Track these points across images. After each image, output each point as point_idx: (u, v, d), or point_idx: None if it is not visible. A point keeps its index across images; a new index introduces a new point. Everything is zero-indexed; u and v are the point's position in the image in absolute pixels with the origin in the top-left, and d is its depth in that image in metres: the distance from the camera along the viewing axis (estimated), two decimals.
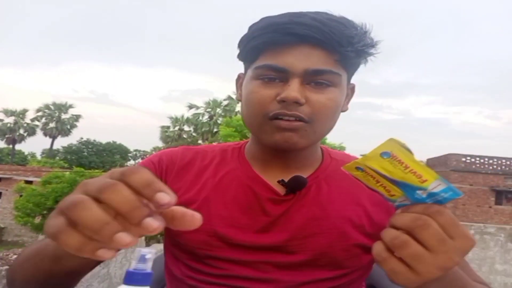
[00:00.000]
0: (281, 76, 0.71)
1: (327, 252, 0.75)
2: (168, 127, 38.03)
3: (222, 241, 0.75)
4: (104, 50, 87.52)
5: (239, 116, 20.30)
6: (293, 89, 0.69)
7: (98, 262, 0.68)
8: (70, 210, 0.37)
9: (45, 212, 15.86)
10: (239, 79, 0.83)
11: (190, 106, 36.80)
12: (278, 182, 0.77)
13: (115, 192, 0.37)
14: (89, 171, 18.70)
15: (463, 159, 23.05)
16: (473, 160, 23.10)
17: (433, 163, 25.23)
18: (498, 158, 23.22)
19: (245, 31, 0.77)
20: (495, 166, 23.05)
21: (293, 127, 0.70)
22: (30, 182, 20.81)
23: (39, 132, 43.22)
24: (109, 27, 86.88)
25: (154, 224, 0.37)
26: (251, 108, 0.74)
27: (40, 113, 43.08)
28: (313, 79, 0.71)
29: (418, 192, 0.49)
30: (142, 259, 0.36)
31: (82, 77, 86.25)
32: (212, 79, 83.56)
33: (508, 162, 23.10)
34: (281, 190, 0.77)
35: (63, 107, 43.02)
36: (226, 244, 0.75)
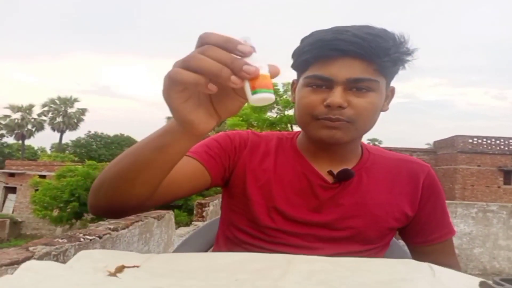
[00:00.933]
0: (327, 84, 0.84)
1: (362, 231, 0.91)
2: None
3: (280, 215, 0.91)
4: (104, 41, 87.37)
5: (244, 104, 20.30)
6: (337, 96, 0.82)
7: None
8: (189, 61, 0.50)
9: (61, 205, 16.21)
10: (293, 84, 0.97)
11: None
12: (328, 172, 0.92)
13: (215, 51, 0.49)
14: (102, 163, 18.92)
15: (470, 141, 23.01)
16: (480, 141, 23.05)
17: (440, 145, 25.26)
18: (505, 139, 23.15)
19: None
20: (502, 146, 23.00)
21: (338, 126, 0.84)
22: (43, 177, 21.15)
23: (47, 127, 43.64)
24: (108, 17, 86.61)
25: (251, 68, 0.48)
26: (302, 110, 0.88)
27: (46, 108, 43.42)
28: (355, 85, 0.83)
29: None
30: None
31: (83, 70, 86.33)
32: None
33: None
34: (329, 179, 0.92)
35: (68, 101, 43.30)
36: (282, 218, 0.91)
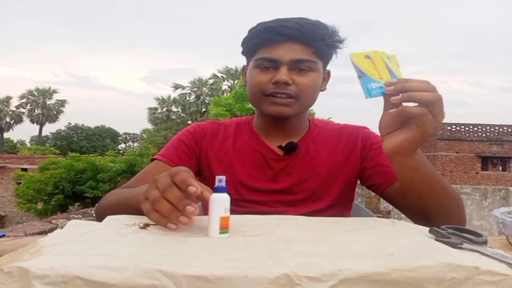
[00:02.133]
0: (274, 65, 1.00)
1: (316, 191, 1.07)
2: (156, 109, 37.86)
3: (244, 187, 1.07)
4: (80, 31, 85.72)
5: (227, 95, 20.38)
6: (283, 74, 0.98)
7: None
8: (153, 204, 0.67)
9: (45, 198, 16.11)
10: (244, 69, 1.13)
11: (176, 87, 36.58)
12: (278, 147, 1.08)
13: (170, 191, 0.65)
14: (85, 155, 18.79)
15: (449, 128, 23.46)
16: (458, 128, 23.49)
17: None
18: (483, 125, 23.65)
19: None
20: (480, 133, 23.48)
21: (286, 103, 1.00)
22: (25, 170, 20.89)
23: (26, 119, 42.83)
24: (83, 6, 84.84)
25: (191, 208, 0.64)
26: (253, 88, 1.03)
27: (24, 100, 42.55)
28: (297, 66, 0.99)
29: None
30: (220, 180, 0.67)
31: (61, 61, 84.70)
32: (194, 57, 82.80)
33: (492, 129, 23.50)
34: (280, 152, 1.08)
35: (47, 93, 42.53)
36: (247, 189, 1.07)
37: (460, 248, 0.58)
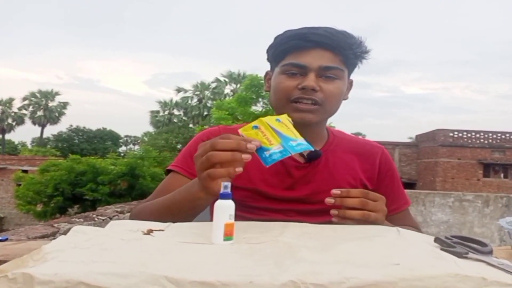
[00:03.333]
0: (301, 71, 1.00)
1: (333, 204, 1.05)
2: (158, 112, 37.87)
3: (260, 195, 1.03)
4: (85, 34, 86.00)
5: (230, 98, 20.40)
6: (311, 80, 0.98)
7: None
8: (211, 160, 0.74)
9: (45, 199, 16.09)
10: (267, 75, 1.13)
11: (178, 90, 36.61)
12: (299, 154, 1.03)
13: (224, 142, 0.74)
14: (86, 157, 18.80)
15: (451, 134, 23.37)
16: (460, 134, 23.39)
17: (422, 139, 25.70)
18: (485, 132, 23.54)
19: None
20: (482, 140, 23.36)
21: (310, 109, 0.99)
22: (25, 171, 20.89)
23: (28, 121, 42.86)
24: (88, 10, 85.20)
25: (252, 145, 0.73)
26: (278, 94, 1.03)
27: (26, 102, 42.59)
28: (325, 73, 0.99)
29: (291, 142, 0.79)
30: (225, 187, 0.66)
31: (65, 63, 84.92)
32: (198, 62, 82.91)
33: (494, 136, 23.37)
34: (301, 159, 1.06)
35: (49, 95, 42.52)
36: (263, 197, 1.03)
37: (466, 257, 0.58)
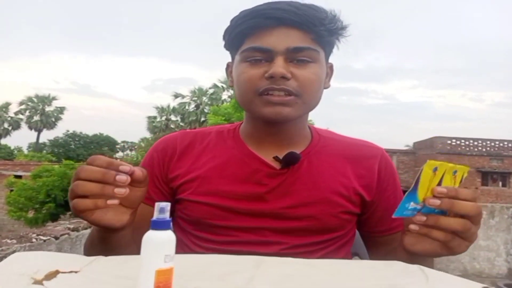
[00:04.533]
0: (266, 56, 0.80)
1: (320, 219, 0.85)
2: (155, 117, 37.71)
3: (224, 210, 0.84)
4: (83, 39, 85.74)
5: (226, 104, 20.19)
6: (279, 65, 0.79)
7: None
8: (77, 188, 0.63)
9: (37, 206, 15.75)
10: (228, 67, 0.93)
11: (176, 96, 36.50)
12: (274, 158, 0.86)
13: (90, 169, 0.64)
14: (79, 163, 18.51)
15: (449, 142, 23.30)
16: (458, 142, 23.34)
17: (419, 146, 25.57)
18: (483, 140, 23.51)
19: (225, 19, 0.89)
20: (480, 148, 23.32)
21: (285, 101, 0.80)
22: (19, 177, 20.58)
23: (24, 126, 42.56)
24: (87, 15, 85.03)
25: (123, 177, 0.62)
26: (242, 87, 0.83)
27: (23, 106, 42.33)
28: (295, 56, 0.81)
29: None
30: (162, 210, 0.45)
31: (63, 68, 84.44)
32: (196, 67, 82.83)
33: (492, 144, 23.37)
34: (276, 165, 0.86)
35: (46, 100, 42.30)
36: (228, 213, 0.84)
37: None
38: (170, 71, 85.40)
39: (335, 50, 0.90)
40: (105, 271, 0.48)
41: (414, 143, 27.33)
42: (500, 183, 23.03)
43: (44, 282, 0.42)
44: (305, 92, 0.81)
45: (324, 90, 0.89)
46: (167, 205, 0.44)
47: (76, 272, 0.46)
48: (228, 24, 0.87)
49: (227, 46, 0.89)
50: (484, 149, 23.30)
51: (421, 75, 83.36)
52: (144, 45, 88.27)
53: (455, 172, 0.67)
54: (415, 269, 0.50)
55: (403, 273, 0.50)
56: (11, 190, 18.08)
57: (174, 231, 0.93)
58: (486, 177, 22.87)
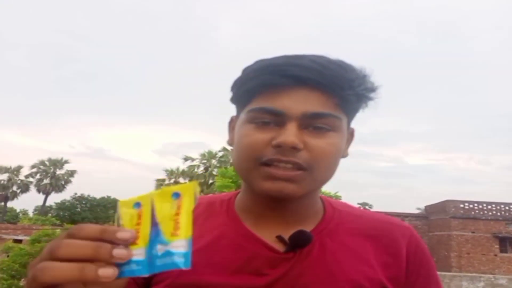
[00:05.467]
0: (277, 120, 0.67)
1: None
2: (164, 180, 37.89)
3: None
4: (99, 105, 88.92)
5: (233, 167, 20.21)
6: (291, 134, 0.65)
7: None
8: (38, 279, 0.43)
9: None
10: (231, 122, 0.79)
11: (186, 158, 36.96)
12: (277, 237, 0.70)
13: (71, 246, 0.43)
14: None
15: (462, 205, 22.90)
16: (471, 206, 22.97)
17: (431, 210, 24.96)
18: (497, 204, 23.12)
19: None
20: (494, 212, 22.90)
21: (290, 177, 0.65)
22: (19, 241, 20.22)
23: (33, 189, 42.84)
24: (103, 83, 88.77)
25: (122, 251, 0.43)
26: (242, 152, 0.70)
27: (34, 169, 42.94)
28: (312, 123, 0.67)
29: (158, 246, 0.44)
30: None
31: (78, 133, 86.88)
32: (207, 132, 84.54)
33: (507, 207, 22.99)
34: (279, 247, 0.70)
35: (58, 163, 43.01)
36: None
37: None
38: (182, 136, 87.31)
39: None
40: None
41: (426, 207, 26.77)
42: None
43: None
44: (317, 166, 0.68)
45: (348, 151, 0.78)
46: None
47: None
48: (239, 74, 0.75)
49: (234, 100, 0.76)
50: (498, 213, 22.84)
51: (427, 138, 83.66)
52: (156, 110, 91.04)
53: (177, 195, 0.45)
54: None
55: None
56: (8, 255, 17.67)
57: None
58: (505, 243, 22.14)
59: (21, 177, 42.58)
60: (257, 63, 0.72)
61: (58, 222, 31.02)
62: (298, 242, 0.69)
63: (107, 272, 0.42)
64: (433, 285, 0.76)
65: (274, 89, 0.67)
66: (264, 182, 0.67)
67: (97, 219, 39.63)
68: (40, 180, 42.76)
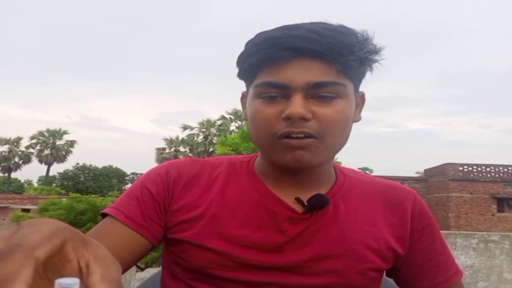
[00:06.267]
0: (283, 92, 0.69)
1: (345, 276, 0.72)
2: (164, 149, 38.12)
3: (232, 260, 0.71)
4: (94, 75, 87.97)
5: (234, 134, 20.29)
6: (297, 105, 0.67)
7: None
8: None
9: None
10: (243, 98, 0.81)
11: (184, 127, 37.01)
12: (296, 199, 0.74)
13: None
14: (86, 196, 18.53)
15: (461, 168, 23.21)
16: (470, 168, 23.28)
17: (431, 173, 25.30)
18: (495, 166, 23.42)
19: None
20: (493, 174, 23.25)
21: (304, 145, 0.68)
22: (27, 210, 20.62)
23: (34, 160, 43.12)
24: (97, 52, 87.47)
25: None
26: (257, 128, 0.72)
27: (34, 141, 43.08)
28: (317, 92, 0.68)
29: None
30: None
31: (75, 104, 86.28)
32: (204, 100, 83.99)
33: (505, 169, 23.35)
34: (298, 208, 0.74)
35: (57, 134, 43.08)
36: (236, 263, 0.72)
37: None
38: (179, 105, 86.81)
39: None
40: None
41: (425, 170, 27.09)
42: None
43: None
44: (328, 134, 0.69)
45: (360, 115, 0.79)
46: (75, 281, 0.32)
47: None
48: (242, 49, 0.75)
49: (241, 75, 0.77)
50: (497, 175, 23.17)
51: (427, 103, 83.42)
52: (153, 79, 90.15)
53: None
54: None
55: None
56: (18, 224, 18.10)
57: (163, 278, 0.79)
58: (502, 203, 22.62)
59: (22, 148, 42.80)
60: (257, 36, 0.73)
61: (63, 191, 31.46)
62: (316, 204, 0.74)
63: None
64: (438, 242, 0.81)
65: (275, 62, 0.69)
66: (283, 155, 0.70)
67: (101, 187, 40.16)
68: (41, 151, 42.97)
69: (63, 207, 15.96)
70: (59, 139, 43.29)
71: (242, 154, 0.99)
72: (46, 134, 43.07)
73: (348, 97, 0.72)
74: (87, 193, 23.01)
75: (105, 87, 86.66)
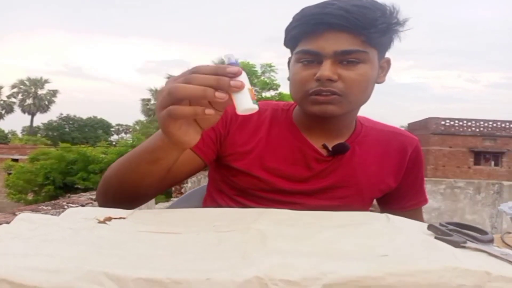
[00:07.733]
0: (317, 58, 0.86)
1: (348, 201, 0.96)
2: (149, 100, 37.64)
3: (270, 186, 0.94)
4: (75, 18, 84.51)
5: None
6: (325, 69, 0.84)
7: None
8: (174, 93, 0.58)
9: (36, 188, 15.93)
10: (289, 62, 0.99)
11: (169, 77, 35.90)
12: (323, 145, 0.95)
13: (198, 77, 0.58)
14: (76, 146, 18.59)
15: (443, 122, 23.51)
16: (452, 123, 23.56)
17: (414, 127, 25.79)
18: (476, 120, 23.72)
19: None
20: (473, 128, 23.54)
21: (329, 100, 0.86)
22: (15, 160, 20.67)
23: (17, 109, 42.43)
24: None
25: (238, 82, 0.57)
26: (295, 86, 0.91)
27: (15, 89, 42.11)
28: (344, 59, 0.85)
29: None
30: (229, 57, 0.60)
31: (53, 50, 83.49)
32: (187, 48, 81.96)
33: (486, 124, 23.59)
34: (323, 152, 0.95)
35: (38, 83, 42.10)
36: (272, 188, 0.94)
37: (464, 247, 0.51)
38: (162, 53, 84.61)
39: None
40: (147, 217, 0.64)
41: (409, 124, 27.54)
42: (493, 163, 23.38)
43: (107, 222, 0.57)
44: (351, 92, 0.86)
45: (385, 77, 0.96)
46: (232, 54, 0.60)
47: (124, 218, 0.61)
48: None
49: (285, 44, 0.96)
50: (477, 130, 23.53)
51: (416, 56, 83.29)
52: (135, 25, 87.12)
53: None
54: (382, 215, 0.66)
55: (371, 217, 0.66)
56: (9, 173, 18.24)
57: (210, 191, 1.05)
58: (479, 157, 23.19)
59: (3, 97, 41.91)
60: (300, 12, 0.89)
61: (48, 142, 31.33)
62: (338, 150, 0.94)
63: (222, 94, 0.57)
64: (419, 178, 1.04)
65: (311, 34, 0.86)
66: (312, 106, 0.87)
67: (87, 138, 39.83)
68: (23, 100, 42.15)
69: (53, 157, 16.05)
70: (40, 88, 42.40)
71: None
72: (27, 82, 42.09)
73: (371, 62, 0.87)
74: (73, 144, 23.01)
75: (85, 32, 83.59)
